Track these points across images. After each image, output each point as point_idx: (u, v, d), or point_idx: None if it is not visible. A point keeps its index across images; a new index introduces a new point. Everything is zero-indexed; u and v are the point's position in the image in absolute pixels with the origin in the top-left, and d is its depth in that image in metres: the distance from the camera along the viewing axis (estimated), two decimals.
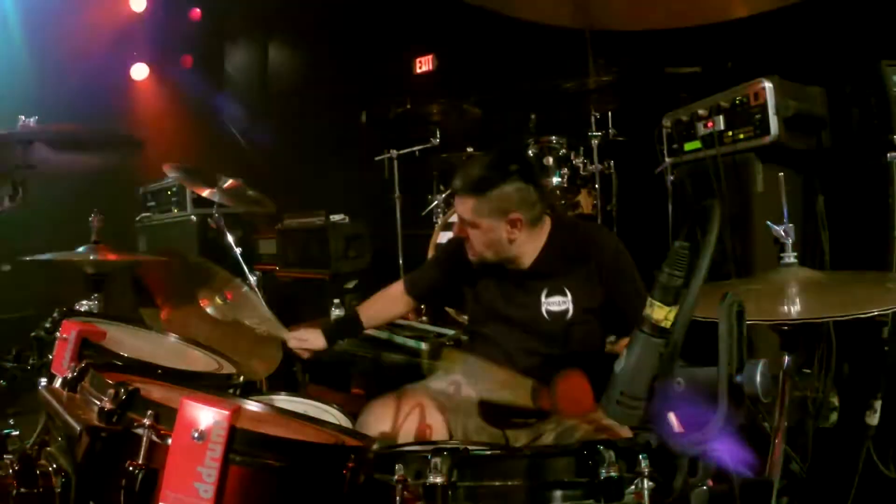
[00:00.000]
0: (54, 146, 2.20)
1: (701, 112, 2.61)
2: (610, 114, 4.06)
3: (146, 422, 1.00)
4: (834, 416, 2.15)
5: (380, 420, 1.80)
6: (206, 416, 0.96)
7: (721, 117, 2.53)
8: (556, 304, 1.94)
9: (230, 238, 2.85)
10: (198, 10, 6.16)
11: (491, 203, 1.89)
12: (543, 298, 1.95)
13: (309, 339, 2.21)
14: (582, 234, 2.05)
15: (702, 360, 1.01)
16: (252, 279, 2.76)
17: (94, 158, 2.34)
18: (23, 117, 2.07)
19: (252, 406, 1.35)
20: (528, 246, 1.99)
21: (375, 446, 1.20)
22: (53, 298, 2.11)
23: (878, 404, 2.07)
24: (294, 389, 3.52)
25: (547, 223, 2.04)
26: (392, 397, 1.91)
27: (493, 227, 1.91)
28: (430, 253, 3.57)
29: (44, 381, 1.58)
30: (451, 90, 4.84)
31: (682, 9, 2.43)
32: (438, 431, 1.83)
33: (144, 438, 1.00)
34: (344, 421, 1.95)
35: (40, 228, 3.21)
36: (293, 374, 3.70)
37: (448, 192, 4.07)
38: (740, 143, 2.47)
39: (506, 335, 2.01)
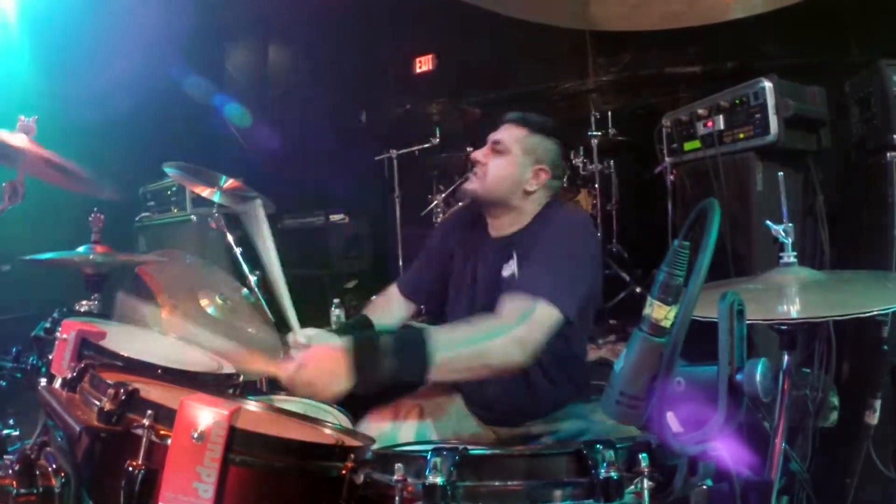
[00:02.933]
0: (49, 165, 2.20)
1: (701, 112, 2.61)
2: (610, 114, 4.07)
3: (146, 422, 1.00)
4: (834, 416, 2.15)
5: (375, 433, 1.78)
6: (205, 416, 0.96)
7: (721, 117, 2.53)
8: (508, 268, 1.89)
9: (230, 238, 2.84)
10: (198, 10, 6.16)
11: (534, 142, 1.94)
12: (504, 265, 1.90)
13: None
14: (552, 211, 1.98)
15: (702, 360, 1.01)
16: (252, 279, 2.75)
17: (84, 187, 2.32)
18: (23, 117, 2.06)
19: (252, 406, 1.35)
20: (523, 214, 1.96)
21: (375, 446, 1.20)
22: (53, 298, 2.11)
23: (877, 404, 2.07)
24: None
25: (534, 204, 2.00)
26: (388, 409, 1.90)
27: (522, 164, 1.92)
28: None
29: (43, 381, 1.58)
30: (451, 90, 4.84)
31: (680, 10, 2.43)
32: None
33: (144, 438, 1.00)
34: (344, 421, 1.95)
35: (40, 228, 3.21)
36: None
37: (447, 191, 4.07)
38: (740, 142, 2.47)
39: (475, 306, 1.92)
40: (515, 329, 1.56)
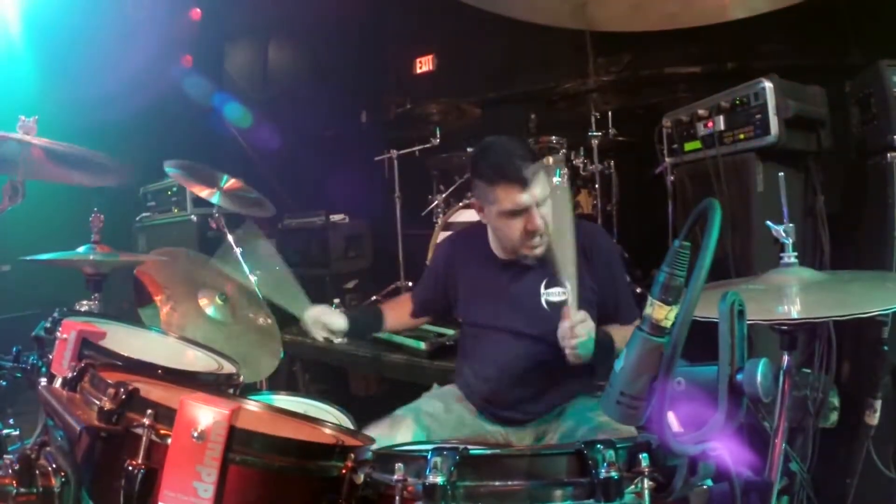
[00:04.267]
0: (51, 158, 2.20)
1: (701, 112, 2.61)
2: (610, 114, 4.06)
3: (146, 421, 1.00)
4: (834, 416, 2.15)
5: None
6: (205, 415, 0.96)
7: (721, 117, 2.53)
8: (556, 294, 1.96)
9: (230, 238, 2.84)
10: (198, 9, 6.16)
11: (546, 175, 1.91)
12: (543, 289, 1.97)
13: (331, 318, 2.09)
14: (582, 232, 2.04)
15: (702, 360, 1.01)
16: (252, 279, 2.75)
17: (87, 177, 2.33)
18: (23, 117, 2.06)
19: (252, 405, 1.35)
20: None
21: (375, 446, 1.20)
22: (53, 298, 2.11)
23: (878, 404, 2.07)
24: (294, 389, 3.53)
25: None
26: (384, 423, 1.91)
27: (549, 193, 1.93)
28: (430, 254, 3.57)
29: (44, 381, 1.58)
30: (451, 90, 4.84)
31: (678, 10, 2.42)
32: None
33: (144, 438, 1.00)
34: (344, 421, 1.95)
35: (40, 228, 3.21)
36: (293, 374, 3.71)
37: (447, 191, 4.07)
38: (740, 143, 2.46)
39: (504, 327, 2.02)
40: None
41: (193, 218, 4.52)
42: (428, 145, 4.38)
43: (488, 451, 1.15)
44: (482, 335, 2.09)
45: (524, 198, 1.85)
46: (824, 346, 2.11)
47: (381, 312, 2.30)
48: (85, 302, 2.22)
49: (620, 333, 1.92)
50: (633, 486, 1.01)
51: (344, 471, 1.07)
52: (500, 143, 1.95)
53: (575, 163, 3.83)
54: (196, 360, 1.90)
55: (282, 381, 3.34)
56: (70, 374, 1.22)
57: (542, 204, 1.88)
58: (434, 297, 2.28)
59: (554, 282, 1.95)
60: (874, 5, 3.39)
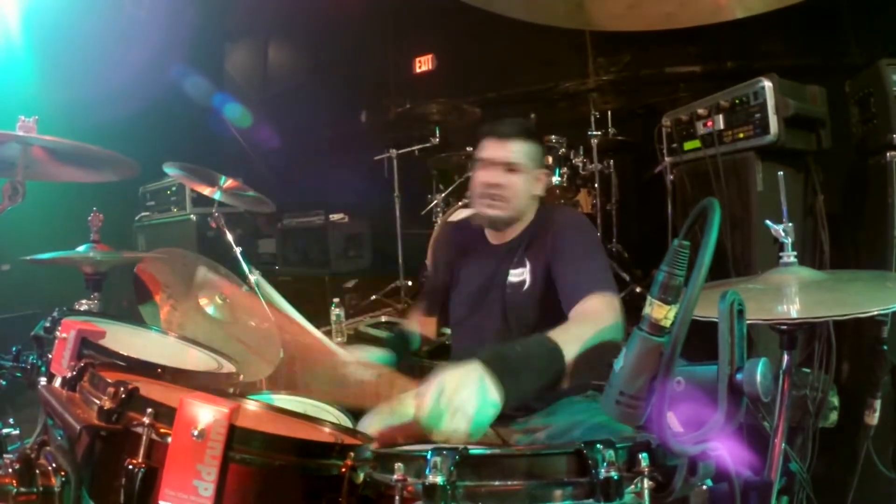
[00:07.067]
0: (53, 156, 2.20)
1: (700, 111, 2.61)
2: (609, 113, 4.06)
3: (146, 420, 1.00)
4: (834, 416, 2.15)
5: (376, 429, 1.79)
6: (205, 414, 0.96)
7: (720, 117, 2.53)
8: (517, 275, 1.95)
9: (230, 237, 2.84)
10: (198, 10, 6.16)
11: (537, 150, 1.99)
12: (510, 270, 1.96)
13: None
14: (548, 212, 2.05)
15: (701, 360, 1.01)
16: (252, 278, 2.75)
17: (90, 174, 2.33)
18: (23, 117, 2.06)
19: (251, 404, 1.35)
20: (524, 218, 2.02)
21: (375, 445, 1.20)
22: (53, 298, 2.11)
23: (877, 404, 2.07)
24: (294, 389, 3.52)
25: (535, 207, 2.08)
26: (387, 405, 1.91)
27: (535, 175, 1.96)
28: (430, 253, 3.58)
29: (43, 380, 1.58)
30: (451, 90, 4.84)
31: (674, 10, 2.42)
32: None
33: (144, 437, 0.99)
34: (343, 420, 1.95)
35: (40, 228, 3.21)
36: (293, 373, 3.70)
37: (447, 191, 4.07)
38: (740, 142, 2.47)
39: (477, 312, 2.03)
40: (613, 320, 1.61)
41: (193, 217, 4.53)
42: (427, 145, 4.38)
43: (488, 451, 1.14)
44: (462, 319, 2.09)
45: (493, 150, 1.93)
46: (824, 345, 2.11)
47: (406, 334, 2.24)
48: (84, 301, 2.22)
49: (561, 336, 1.54)
50: (632, 486, 1.01)
51: (343, 469, 1.07)
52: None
53: (574, 162, 3.84)
54: (196, 359, 1.90)
55: (281, 380, 3.34)
56: (70, 374, 1.21)
57: (515, 171, 1.92)
58: (439, 293, 2.24)
59: (518, 263, 1.95)
60: (874, 5, 3.39)
